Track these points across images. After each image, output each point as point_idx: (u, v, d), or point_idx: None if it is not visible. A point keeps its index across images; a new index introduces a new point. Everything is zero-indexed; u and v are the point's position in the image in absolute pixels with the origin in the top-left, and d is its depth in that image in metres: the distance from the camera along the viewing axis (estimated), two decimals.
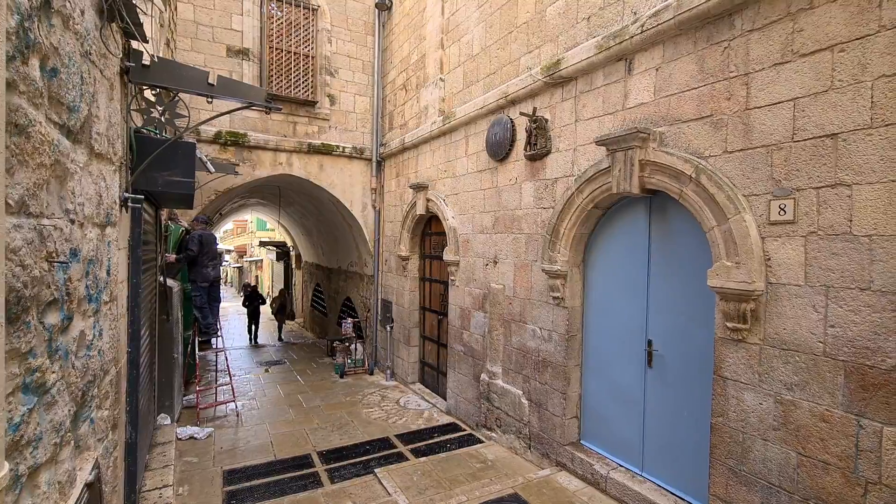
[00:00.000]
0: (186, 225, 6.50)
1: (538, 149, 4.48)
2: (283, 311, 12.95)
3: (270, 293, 22.22)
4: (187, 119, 3.69)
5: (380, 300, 8.48)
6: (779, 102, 2.69)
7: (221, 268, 9.99)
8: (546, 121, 4.44)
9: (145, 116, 3.58)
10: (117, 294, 2.55)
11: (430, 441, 5.40)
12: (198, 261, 6.05)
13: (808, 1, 2.57)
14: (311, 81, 7.82)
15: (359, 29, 8.22)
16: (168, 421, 5.42)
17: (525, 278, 4.76)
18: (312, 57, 7.82)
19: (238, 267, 35.73)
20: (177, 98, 3.57)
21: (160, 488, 3.96)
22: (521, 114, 4.65)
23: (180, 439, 5.28)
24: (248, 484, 4.39)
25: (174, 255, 5.76)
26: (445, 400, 6.42)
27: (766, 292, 2.76)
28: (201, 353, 6.55)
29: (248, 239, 31.14)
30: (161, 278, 5.25)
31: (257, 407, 6.64)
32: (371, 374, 8.36)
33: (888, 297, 2.27)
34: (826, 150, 2.49)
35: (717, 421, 3.02)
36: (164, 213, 5.90)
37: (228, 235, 35.86)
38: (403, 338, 7.59)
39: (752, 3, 2.80)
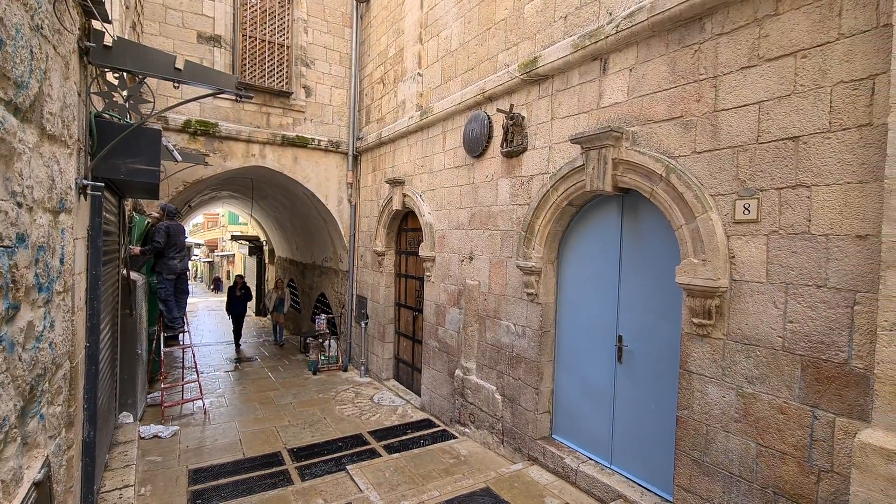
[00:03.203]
0: (156, 214, 6.26)
1: (514, 146, 4.50)
2: (282, 306, 10.80)
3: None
4: (152, 105, 3.55)
5: (355, 296, 8.39)
6: (745, 105, 2.78)
7: (190, 261, 9.63)
8: (523, 118, 4.46)
9: (107, 100, 3.42)
10: (73, 285, 2.43)
11: (404, 437, 5.37)
12: (164, 252, 5.84)
13: (773, 7, 2.66)
14: (286, 72, 7.64)
15: (336, 20, 8.08)
16: (130, 419, 5.23)
17: (500, 275, 4.78)
18: (288, 47, 7.65)
19: (209, 261, 34.74)
20: (141, 82, 3.42)
21: (120, 488, 3.81)
22: (499, 110, 4.66)
23: (143, 438, 5.09)
24: (214, 483, 4.27)
25: (138, 248, 5.54)
26: (420, 396, 6.40)
27: (730, 289, 2.84)
28: (167, 350, 6.33)
29: (220, 233, 30.32)
30: (124, 271, 5.04)
31: (226, 404, 6.47)
32: (345, 370, 8.26)
33: (842, 293, 2.37)
34: (788, 152, 2.59)
35: (682, 414, 3.10)
36: (129, 204, 5.67)
37: (199, 229, 34.84)
38: (378, 334, 7.52)
39: (722, 7, 2.88)
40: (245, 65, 7.26)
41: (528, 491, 3.89)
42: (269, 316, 11.80)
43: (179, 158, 5.39)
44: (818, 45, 2.47)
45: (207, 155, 6.85)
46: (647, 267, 3.60)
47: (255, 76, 7.35)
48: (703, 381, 2.98)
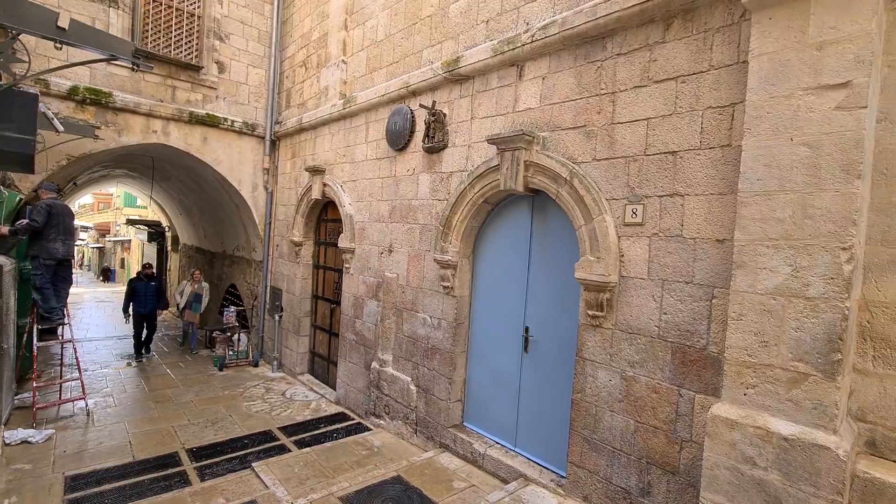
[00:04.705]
0: (26, 193, 5.46)
1: (436, 142, 4.59)
2: (198, 304, 8.86)
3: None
4: (28, 65, 3.12)
5: (269, 287, 8.01)
6: (636, 120, 3.11)
7: (75, 247, 8.47)
8: (444, 115, 4.57)
9: None
10: None
11: (316, 432, 5.27)
12: (44, 234, 5.11)
13: (661, 36, 3.00)
14: (197, 44, 7.05)
15: None
16: None
17: (418, 268, 4.87)
18: (199, 17, 7.05)
19: (98, 248, 30.93)
20: (14, 38, 2.99)
21: None
22: (421, 106, 4.72)
23: (9, 444, 4.47)
24: (97, 489, 3.88)
25: (6, 228, 4.81)
26: (335, 390, 6.30)
27: (619, 284, 3.18)
28: (41, 344, 5.56)
29: (113, 216, 27.10)
30: None
31: (114, 404, 5.87)
32: (256, 365, 7.87)
33: (703, 289, 2.77)
34: (668, 164, 2.95)
35: (576, 397, 3.41)
36: None
37: (87, 210, 30.89)
38: (293, 327, 7.26)
39: (621, 30, 3.19)
40: (147, 31, 6.58)
41: (438, 476, 4.03)
42: (175, 312, 10.11)
43: (62, 129, 4.77)
44: (694, 73, 2.85)
45: (98, 127, 6.11)
46: (552, 263, 3.88)
47: (158, 45, 6.68)
48: (594, 366, 3.30)
